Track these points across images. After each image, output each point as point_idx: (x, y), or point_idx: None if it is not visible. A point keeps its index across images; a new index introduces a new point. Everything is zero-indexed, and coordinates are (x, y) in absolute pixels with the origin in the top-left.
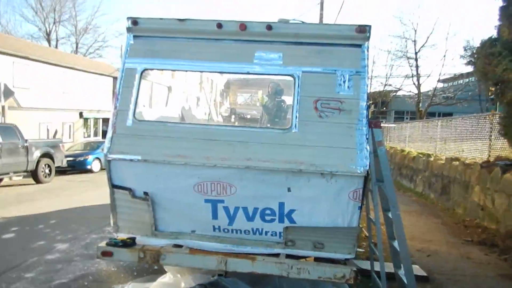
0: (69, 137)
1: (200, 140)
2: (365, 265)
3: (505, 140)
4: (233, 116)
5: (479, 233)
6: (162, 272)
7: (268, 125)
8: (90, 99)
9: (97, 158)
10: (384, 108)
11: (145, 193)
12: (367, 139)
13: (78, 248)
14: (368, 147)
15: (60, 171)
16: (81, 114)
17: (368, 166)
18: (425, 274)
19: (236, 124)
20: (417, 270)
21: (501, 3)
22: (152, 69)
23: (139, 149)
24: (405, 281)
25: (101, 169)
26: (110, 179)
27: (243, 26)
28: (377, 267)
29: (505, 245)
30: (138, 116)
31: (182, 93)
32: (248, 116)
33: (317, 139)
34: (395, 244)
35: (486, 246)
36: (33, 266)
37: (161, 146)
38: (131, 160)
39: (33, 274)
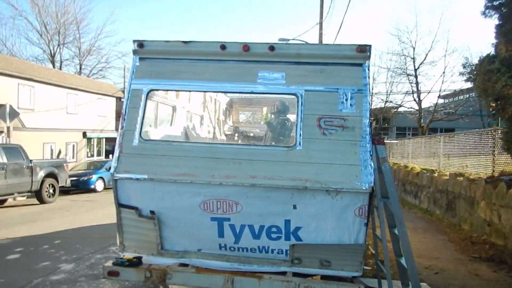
0: (73, 157)
1: (206, 159)
2: (372, 283)
3: (508, 155)
4: (237, 134)
5: (487, 250)
6: None
7: (273, 143)
8: (94, 119)
9: (101, 177)
10: (386, 125)
11: (152, 212)
12: (371, 155)
13: (83, 268)
14: (372, 164)
15: (64, 191)
16: (84, 134)
17: (373, 183)
18: None
19: (240, 142)
20: None
21: (497, 22)
22: (157, 90)
23: (145, 168)
24: None
25: (105, 188)
26: (116, 198)
27: (246, 47)
28: (384, 285)
29: None
30: (144, 135)
31: (186, 113)
32: (252, 134)
33: (321, 156)
34: (402, 261)
35: (494, 262)
36: (38, 287)
37: (167, 165)
38: (137, 179)
39: None
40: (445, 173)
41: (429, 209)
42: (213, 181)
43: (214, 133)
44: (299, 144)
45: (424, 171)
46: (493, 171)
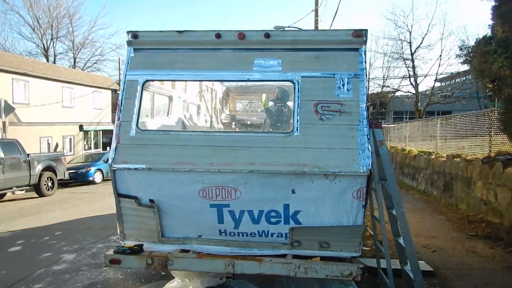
0: (70, 150)
1: (203, 147)
2: (371, 263)
3: (505, 135)
4: (234, 123)
5: (483, 228)
6: (169, 277)
7: (270, 130)
8: (90, 112)
9: (99, 169)
10: (383, 109)
11: (151, 201)
12: (368, 139)
13: (84, 258)
14: (369, 147)
15: (63, 184)
16: (81, 127)
17: (370, 166)
18: (431, 269)
19: (238, 129)
20: (423, 265)
21: (493, 3)
22: (153, 80)
23: (143, 158)
24: (412, 276)
25: (103, 180)
26: (115, 188)
27: (241, 35)
28: (383, 264)
29: (510, 238)
30: (141, 126)
31: (183, 102)
32: (249, 122)
33: (319, 141)
34: (401, 240)
35: (491, 240)
36: (41, 278)
37: (165, 154)
38: (135, 169)
39: (41, 285)
40: (442, 155)
41: (427, 191)
42: (212, 169)
43: (211, 122)
44: (297, 130)
45: (421, 153)
46: (490, 151)
